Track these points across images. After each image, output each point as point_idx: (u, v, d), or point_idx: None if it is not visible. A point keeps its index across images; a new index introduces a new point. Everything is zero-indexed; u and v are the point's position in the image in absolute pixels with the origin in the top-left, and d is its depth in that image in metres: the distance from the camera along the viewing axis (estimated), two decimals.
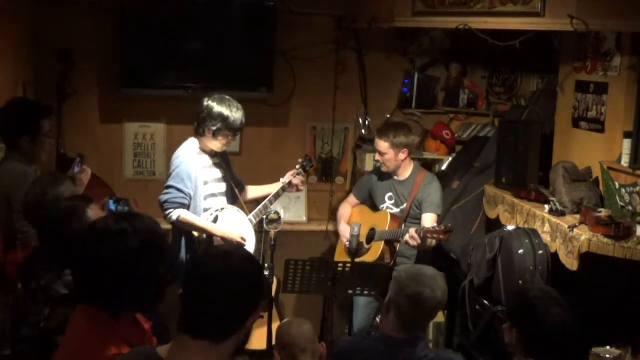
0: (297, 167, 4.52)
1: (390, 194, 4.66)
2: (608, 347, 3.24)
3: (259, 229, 4.92)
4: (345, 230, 4.66)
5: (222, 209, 4.22)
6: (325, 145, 5.74)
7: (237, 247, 1.93)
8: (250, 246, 4.28)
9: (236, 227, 4.23)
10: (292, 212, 5.61)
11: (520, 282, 3.93)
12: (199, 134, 4.19)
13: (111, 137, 5.41)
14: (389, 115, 5.74)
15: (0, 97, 4.01)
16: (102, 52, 5.27)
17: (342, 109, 5.64)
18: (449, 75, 5.88)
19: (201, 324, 1.83)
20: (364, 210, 4.84)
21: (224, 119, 4.09)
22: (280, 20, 5.34)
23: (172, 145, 4.54)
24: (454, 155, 5.70)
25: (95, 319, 2.05)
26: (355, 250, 4.03)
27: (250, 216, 4.38)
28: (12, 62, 4.58)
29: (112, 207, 3.90)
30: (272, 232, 4.28)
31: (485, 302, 4.23)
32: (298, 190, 4.55)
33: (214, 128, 4.10)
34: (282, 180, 4.48)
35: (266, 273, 4.44)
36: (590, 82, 4.35)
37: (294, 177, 4.45)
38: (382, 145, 4.54)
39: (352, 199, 4.95)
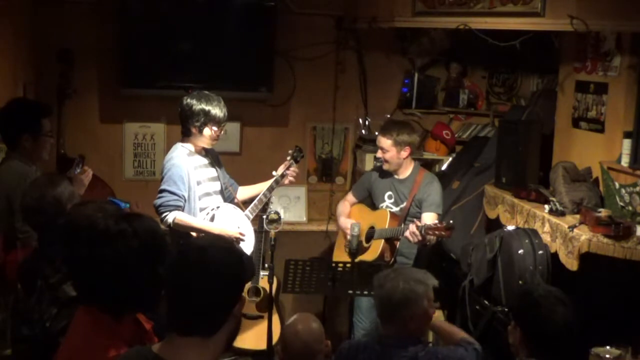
0: (288, 158, 4.53)
1: (389, 192, 4.66)
2: (608, 347, 3.24)
3: (259, 229, 4.92)
4: (346, 223, 4.62)
5: (218, 207, 4.23)
6: (325, 145, 5.75)
7: (212, 240, 1.92)
8: (250, 241, 4.28)
9: (233, 224, 4.23)
10: (292, 212, 5.62)
11: (520, 282, 3.93)
12: (186, 135, 4.20)
13: (111, 137, 5.41)
14: (389, 115, 5.74)
15: (0, 97, 4.02)
16: (102, 52, 5.27)
17: (342, 109, 5.65)
18: (449, 75, 5.88)
19: (187, 321, 1.83)
20: (363, 208, 4.84)
21: (205, 113, 4.11)
22: (280, 20, 5.34)
23: (172, 146, 4.54)
24: (454, 155, 5.70)
25: (97, 320, 2.05)
26: (356, 250, 4.03)
27: (247, 212, 4.38)
28: (12, 62, 4.58)
29: None
30: (272, 232, 4.28)
31: (485, 302, 4.23)
32: (291, 182, 4.52)
33: (198, 124, 4.12)
34: (274, 173, 4.48)
35: (266, 273, 4.45)
36: (590, 82, 4.35)
37: (287, 168, 4.46)
38: (385, 142, 4.55)
39: (350, 197, 4.93)
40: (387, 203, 4.66)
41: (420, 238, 4.20)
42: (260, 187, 4.49)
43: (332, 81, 5.62)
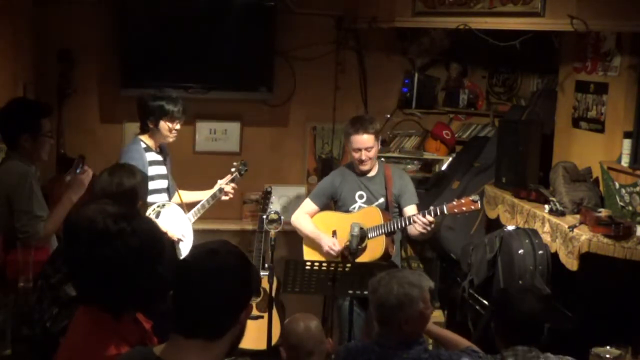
0: (233, 169, 4.59)
1: (360, 192, 4.52)
2: (608, 347, 3.24)
3: (259, 229, 4.92)
4: (329, 241, 4.43)
5: (164, 205, 4.25)
6: (325, 145, 5.74)
7: (223, 244, 1.93)
8: (188, 245, 4.29)
9: (177, 225, 4.26)
10: (292, 212, 5.61)
11: (520, 282, 3.93)
12: (144, 130, 4.30)
13: (111, 137, 5.41)
14: (389, 116, 5.74)
15: (0, 97, 4.02)
16: (102, 52, 5.28)
17: (342, 109, 5.64)
18: (449, 75, 5.89)
19: (193, 324, 1.83)
20: (333, 214, 4.64)
21: (159, 107, 4.22)
22: (280, 20, 5.34)
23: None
24: (454, 155, 5.70)
25: (97, 319, 2.05)
26: (355, 250, 4.01)
27: (189, 215, 4.42)
28: (12, 62, 4.58)
29: None
30: (272, 232, 4.28)
31: (485, 302, 4.23)
32: (229, 194, 4.55)
33: (153, 118, 4.23)
34: (219, 182, 4.54)
35: (266, 273, 4.45)
36: (590, 82, 4.35)
37: (231, 181, 4.54)
38: (369, 139, 4.40)
39: (310, 208, 4.62)
40: (360, 203, 4.52)
41: (433, 226, 4.19)
42: (201, 195, 4.54)
43: (332, 81, 5.62)
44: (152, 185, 4.24)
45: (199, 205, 4.45)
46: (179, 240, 4.22)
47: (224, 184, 4.53)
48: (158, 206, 4.21)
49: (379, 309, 2.97)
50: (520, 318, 2.80)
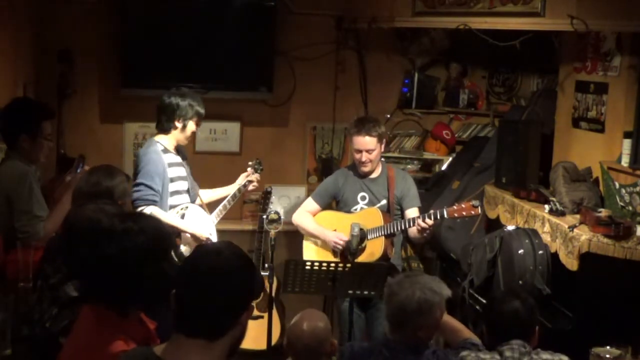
0: (249, 169, 4.62)
1: (362, 193, 4.53)
2: (608, 347, 3.24)
3: (259, 229, 4.92)
4: (334, 236, 4.46)
5: (187, 207, 4.24)
6: (325, 145, 5.74)
7: (227, 245, 1.93)
8: None
9: (202, 225, 4.26)
10: (292, 212, 5.61)
11: (520, 282, 3.93)
12: (165, 131, 4.22)
13: (111, 137, 5.41)
14: (389, 116, 5.74)
15: (0, 97, 4.02)
16: (102, 52, 5.27)
17: (342, 109, 5.64)
18: (449, 75, 5.89)
19: (194, 323, 1.84)
20: (334, 214, 4.65)
21: (192, 108, 4.19)
22: (280, 20, 5.35)
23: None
24: (454, 155, 5.70)
25: (102, 317, 2.06)
26: (355, 250, 4.01)
27: (212, 216, 4.42)
28: (12, 62, 4.57)
29: None
30: (272, 232, 4.28)
31: (485, 302, 4.22)
32: (254, 187, 4.60)
33: (183, 119, 4.18)
34: (237, 182, 4.56)
35: (266, 273, 4.45)
36: (590, 82, 4.35)
37: (248, 179, 4.57)
38: (370, 141, 4.40)
39: (312, 206, 4.65)
40: (362, 204, 4.52)
41: (431, 230, 4.19)
42: (221, 192, 4.56)
43: (332, 81, 5.62)
44: (172, 187, 4.22)
45: (220, 207, 4.46)
46: (207, 239, 4.18)
47: (246, 179, 4.56)
48: (182, 208, 4.21)
49: (396, 312, 2.96)
50: (503, 319, 2.90)
